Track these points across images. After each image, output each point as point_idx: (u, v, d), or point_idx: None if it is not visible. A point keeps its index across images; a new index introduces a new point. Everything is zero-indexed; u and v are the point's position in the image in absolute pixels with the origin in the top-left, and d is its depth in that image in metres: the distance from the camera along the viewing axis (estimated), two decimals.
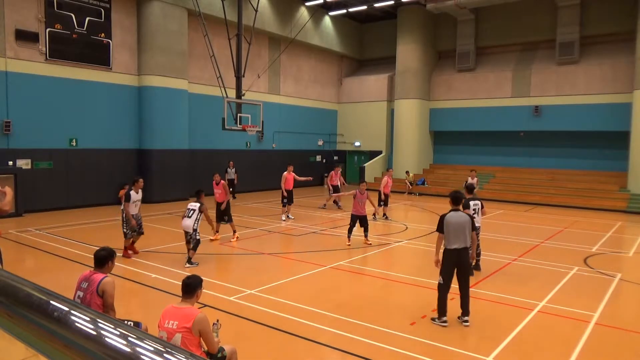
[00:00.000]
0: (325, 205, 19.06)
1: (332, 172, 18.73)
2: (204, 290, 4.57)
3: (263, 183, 24.06)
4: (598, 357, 5.84)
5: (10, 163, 15.43)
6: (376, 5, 24.81)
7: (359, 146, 29.21)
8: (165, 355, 0.75)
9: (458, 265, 6.65)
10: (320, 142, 28.59)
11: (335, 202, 18.84)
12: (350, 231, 12.07)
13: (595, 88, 21.97)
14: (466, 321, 6.68)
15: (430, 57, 26.91)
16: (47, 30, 16.15)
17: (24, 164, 15.76)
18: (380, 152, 28.24)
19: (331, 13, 27.04)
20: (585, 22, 22.34)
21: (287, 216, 15.79)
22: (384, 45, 28.83)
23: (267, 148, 24.93)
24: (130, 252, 10.47)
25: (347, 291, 8.34)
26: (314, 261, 10.19)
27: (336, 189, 18.22)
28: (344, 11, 26.55)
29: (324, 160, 28.35)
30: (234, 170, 21.03)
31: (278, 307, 7.19)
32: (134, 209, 10.58)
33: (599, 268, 9.96)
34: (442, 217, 6.75)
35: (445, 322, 6.61)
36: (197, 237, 9.75)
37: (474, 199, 9.72)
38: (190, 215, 9.83)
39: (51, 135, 16.49)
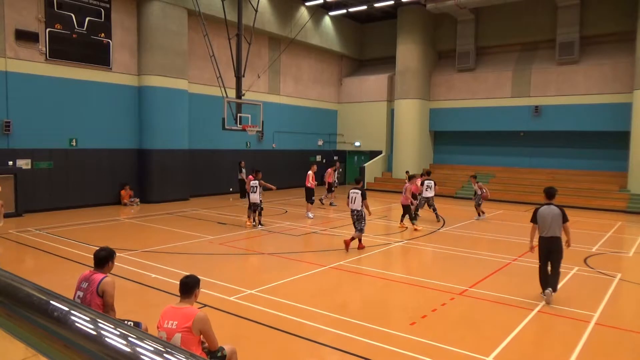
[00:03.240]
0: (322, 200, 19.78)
1: (310, 172, 18.00)
2: (204, 291, 4.58)
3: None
4: (598, 357, 5.84)
5: (10, 163, 15.43)
6: (376, 5, 24.82)
7: (359, 146, 29.21)
8: (165, 355, 0.75)
9: (549, 250, 7.65)
10: (320, 142, 28.58)
11: (320, 200, 19.49)
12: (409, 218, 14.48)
13: (595, 88, 21.97)
14: (550, 294, 7.56)
15: (430, 57, 26.90)
16: (47, 30, 16.15)
17: (24, 164, 15.75)
18: (380, 152, 28.23)
19: (331, 13, 27.04)
20: (585, 22, 22.34)
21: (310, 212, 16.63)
22: (384, 45, 28.82)
23: (267, 148, 24.93)
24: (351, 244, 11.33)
25: (347, 291, 8.34)
26: (314, 261, 10.19)
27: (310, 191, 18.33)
28: (344, 11, 26.55)
29: (324, 160, 28.35)
30: (245, 170, 21.12)
31: (278, 307, 7.19)
32: None
33: (599, 268, 9.96)
34: (535, 210, 7.81)
35: (545, 295, 7.58)
36: (262, 206, 14.15)
37: (428, 179, 15.84)
38: (255, 190, 13.95)
39: (51, 135, 16.49)
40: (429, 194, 15.68)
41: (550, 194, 7.92)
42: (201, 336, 4.16)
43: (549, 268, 7.73)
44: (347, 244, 10.98)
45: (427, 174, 16.76)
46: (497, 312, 7.27)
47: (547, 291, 7.55)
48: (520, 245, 12.35)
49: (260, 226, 14.01)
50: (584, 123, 22.17)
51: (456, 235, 13.66)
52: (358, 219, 11.09)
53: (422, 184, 15.76)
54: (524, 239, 13.09)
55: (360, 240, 11.36)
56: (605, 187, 21.08)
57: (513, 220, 16.80)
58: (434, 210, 15.80)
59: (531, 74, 23.66)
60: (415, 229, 14.12)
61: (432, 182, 15.76)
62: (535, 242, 7.99)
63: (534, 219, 7.82)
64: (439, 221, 15.52)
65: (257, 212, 14.10)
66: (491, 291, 8.21)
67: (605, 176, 21.89)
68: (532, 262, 10.40)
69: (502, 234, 13.87)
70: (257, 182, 14.10)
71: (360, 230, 11.10)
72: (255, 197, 13.95)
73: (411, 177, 15.04)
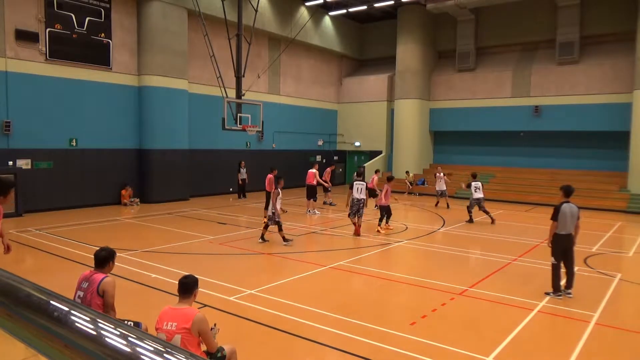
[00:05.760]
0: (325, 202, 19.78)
1: (312, 170, 18.00)
2: (204, 291, 4.57)
3: (262, 183, 24.00)
4: (598, 357, 5.84)
5: (10, 163, 15.43)
6: (376, 5, 24.80)
7: (359, 146, 29.20)
8: (165, 355, 0.75)
9: (567, 248, 7.85)
10: (320, 142, 28.58)
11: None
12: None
13: (595, 88, 21.96)
14: (569, 293, 7.84)
15: (430, 57, 26.90)
16: (47, 30, 16.14)
17: (24, 164, 15.75)
18: (380, 152, 28.22)
19: (331, 13, 27.03)
20: (585, 22, 22.34)
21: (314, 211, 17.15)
22: (384, 45, 28.81)
23: (267, 148, 24.93)
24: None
25: (347, 291, 8.34)
26: (314, 261, 10.19)
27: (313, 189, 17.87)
28: (344, 11, 26.54)
29: (324, 160, 28.34)
30: (245, 170, 21.11)
31: (278, 307, 7.19)
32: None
33: (599, 268, 9.96)
34: (557, 208, 7.85)
35: (560, 296, 7.79)
36: (277, 220, 11.52)
37: (475, 181, 15.72)
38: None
39: (51, 135, 16.48)
40: (479, 194, 15.51)
41: (568, 192, 8.08)
42: (200, 338, 4.15)
43: (565, 266, 7.92)
44: (357, 232, 12.91)
45: (364, 171, 15.73)
46: (497, 312, 7.27)
47: (570, 291, 7.87)
48: (521, 245, 12.35)
49: (260, 240, 11.95)
50: (584, 123, 22.17)
51: (456, 235, 13.66)
52: (362, 206, 13.01)
53: (468, 186, 15.88)
54: (523, 239, 13.11)
55: (359, 226, 13.06)
56: (605, 187, 21.08)
57: (513, 220, 16.80)
58: (486, 212, 15.67)
59: (531, 74, 23.66)
60: (379, 231, 13.54)
61: (480, 183, 15.84)
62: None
63: (555, 217, 7.86)
64: (493, 222, 15.48)
65: (275, 226, 11.69)
66: (491, 291, 8.21)
67: (605, 176, 21.89)
68: (532, 262, 10.42)
69: (501, 234, 13.87)
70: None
71: (361, 215, 13.06)
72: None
73: (390, 178, 14.70)
